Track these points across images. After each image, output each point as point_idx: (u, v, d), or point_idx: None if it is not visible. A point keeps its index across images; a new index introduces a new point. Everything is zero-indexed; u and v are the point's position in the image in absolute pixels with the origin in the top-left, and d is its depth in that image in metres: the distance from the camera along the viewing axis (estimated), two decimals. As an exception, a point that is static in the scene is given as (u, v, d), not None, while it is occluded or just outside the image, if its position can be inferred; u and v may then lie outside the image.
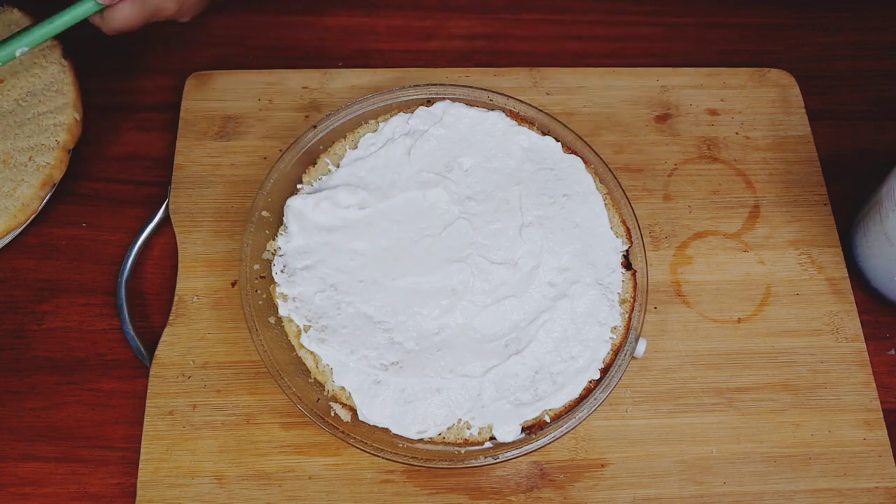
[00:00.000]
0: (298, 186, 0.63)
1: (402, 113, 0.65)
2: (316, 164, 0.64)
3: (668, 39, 0.78)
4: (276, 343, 0.57)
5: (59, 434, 0.58)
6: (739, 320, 0.63)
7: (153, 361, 0.59)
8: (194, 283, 0.62)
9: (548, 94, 0.71)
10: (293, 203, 0.60)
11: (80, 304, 0.63)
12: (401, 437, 0.55)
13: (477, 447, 0.55)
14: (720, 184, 0.69)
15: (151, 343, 0.60)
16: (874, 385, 0.61)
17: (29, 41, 0.60)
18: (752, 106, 0.72)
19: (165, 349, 0.60)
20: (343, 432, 0.54)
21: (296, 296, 0.58)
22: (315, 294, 0.58)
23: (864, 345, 0.63)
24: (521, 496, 0.57)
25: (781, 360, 0.62)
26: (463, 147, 0.64)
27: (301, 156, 0.64)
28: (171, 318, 0.61)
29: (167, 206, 0.65)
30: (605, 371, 0.57)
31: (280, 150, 0.65)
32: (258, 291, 0.59)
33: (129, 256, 0.63)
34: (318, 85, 0.71)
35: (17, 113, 0.64)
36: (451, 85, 0.66)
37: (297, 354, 0.57)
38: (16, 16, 0.68)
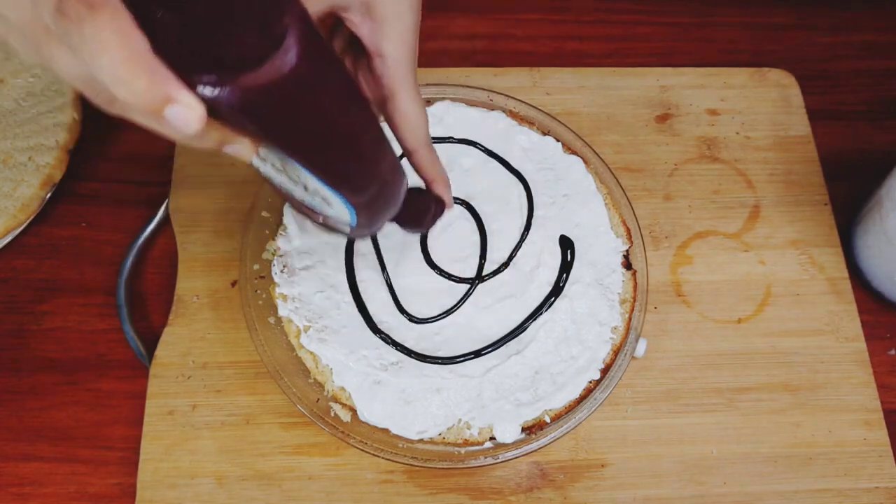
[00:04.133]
0: (298, 186, 0.63)
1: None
2: (316, 164, 0.64)
3: (668, 39, 0.78)
4: (276, 343, 0.57)
5: (59, 434, 0.58)
6: (740, 320, 0.63)
7: (153, 361, 0.59)
8: (194, 283, 0.62)
9: (548, 94, 0.71)
10: (293, 203, 0.61)
11: (80, 304, 0.62)
12: (401, 437, 0.55)
13: (477, 447, 0.55)
14: (720, 184, 0.69)
15: (151, 343, 0.60)
16: (874, 385, 0.61)
17: None
18: (752, 106, 0.72)
19: (165, 349, 0.60)
20: (343, 432, 0.54)
21: (296, 296, 0.58)
22: (315, 294, 0.58)
23: (864, 345, 0.62)
24: (521, 496, 0.57)
25: (781, 360, 0.62)
26: (463, 147, 0.64)
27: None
28: (170, 318, 0.61)
29: (167, 206, 0.65)
30: (605, 371, 0.57)
31: (280, 150, 0.65)
32: (258, 291, 0.59)
33: (128, 256, 0.63)
34: (318, 85, 0.71)
35: (17, 113, 0.64)
36: (452, 85, 0.66)
37: (297, 354, 0.57)
38: (16, 16, 0.68)
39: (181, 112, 0.31)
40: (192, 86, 0.31)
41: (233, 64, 0.32)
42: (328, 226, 0.48)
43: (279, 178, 0.43)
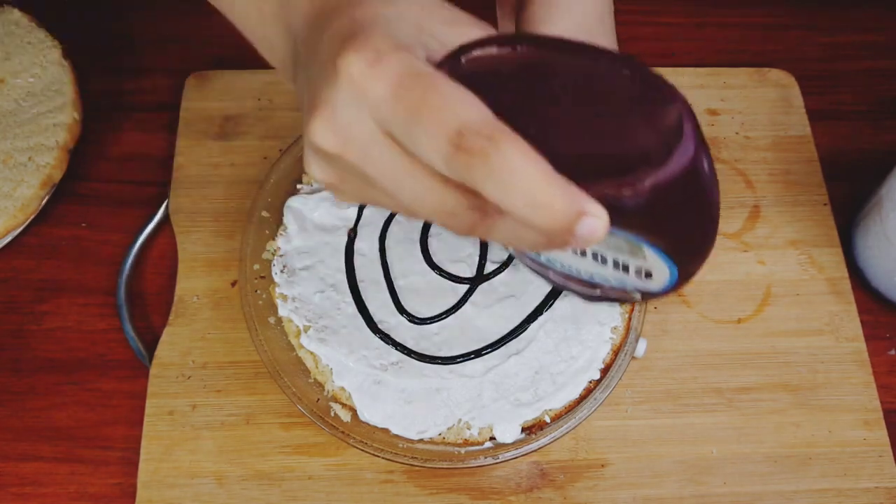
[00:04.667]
0: (298, 186, 0.63)
1: (402, 113, 0.65)
2: (316, 164, 0.64)
3: (668, 39, 0.77)
4: (276, 343, 0.57)
5: (59, 434, 0.58)
6: (739, 320, 0.63)
7: (153, 361, 0.59)
8: (194, 283, 0.62)
9: (548, 94, 0.71)
10: (293, 203, 0.60)
11: (80, 304, 0.62)
12: (401, 437, 0.55)
13: (477, 447, 0.55)
14: (720, 184, 0.69)
15: (151, 343, 0.60)
16: (874, 385, 0.61)
17: None
18: (752, 106, 0.72)
19: (165, 349, 0.60)
20: (343, 432, 0.54)
21: (296, 296, 0.58)
22: (315, 294, 0.58)
23: (864, 345, 0.62)
24: (521, 496, 0.57)
25: (781, 360, 0.62)
26: (463, 147, 0.64)
27: (301, 156, 0.64)
28: (171, 318, 0.61)
29: (167, 206, 0.65)
30: (605, 371, 0.57)
31: (280, 150, 0.65)
32: (258, 291, 0.59)
33: (128, 256, 0.63)
34: (318, 85, 0.70)
35: (16, 113, 0.64)
36: (451, 85, 0.66)
37: (297, 354, 0.57)
38: (16, 16, 0.68)
39: (592, 223, 0.28)
40: (592, 193, 0.29)
41: (637, 164, 0.30)
42: (605, 298, 0.43)
43: (571, 262, 0.39)
